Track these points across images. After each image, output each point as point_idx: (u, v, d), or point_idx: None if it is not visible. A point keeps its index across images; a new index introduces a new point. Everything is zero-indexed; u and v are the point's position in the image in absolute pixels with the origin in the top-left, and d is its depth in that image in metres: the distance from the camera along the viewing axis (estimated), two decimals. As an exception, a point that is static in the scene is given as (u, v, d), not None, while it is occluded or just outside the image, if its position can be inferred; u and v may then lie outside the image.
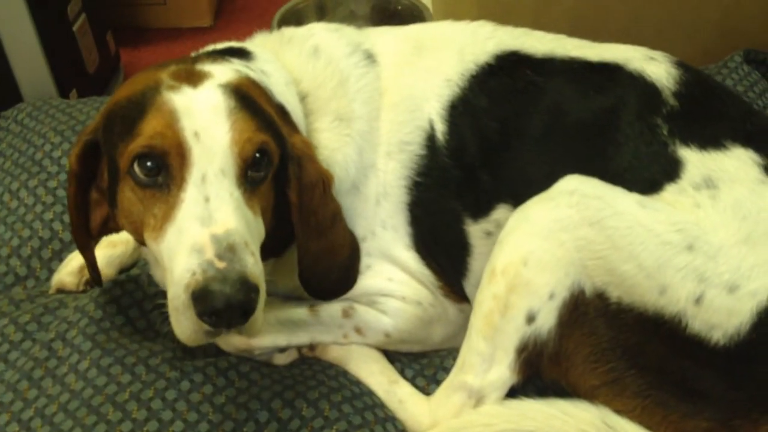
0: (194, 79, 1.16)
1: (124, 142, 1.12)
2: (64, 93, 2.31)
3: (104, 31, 2.64)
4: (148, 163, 1.10)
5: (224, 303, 1.01)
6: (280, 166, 1.20)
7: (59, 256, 1.63)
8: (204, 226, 1.05)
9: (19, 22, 2.15)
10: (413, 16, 2.68)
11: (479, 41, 1.44)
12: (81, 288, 1.54)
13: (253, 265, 1.05)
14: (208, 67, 1.20)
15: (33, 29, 2.15)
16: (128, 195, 1.15)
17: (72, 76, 2.37)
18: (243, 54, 1.36)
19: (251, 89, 1.21)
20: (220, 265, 1.02)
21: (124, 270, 1.53)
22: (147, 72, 1.22)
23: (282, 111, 1.27)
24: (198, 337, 1.06)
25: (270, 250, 1.23)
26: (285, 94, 1.32)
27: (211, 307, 1.01)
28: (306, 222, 1.24)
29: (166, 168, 1.10)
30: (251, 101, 1.17)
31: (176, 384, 1.28)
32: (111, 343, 1.34)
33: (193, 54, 1.42)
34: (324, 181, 1.25)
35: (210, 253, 1.03)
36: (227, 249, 1.03)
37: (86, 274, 1.54)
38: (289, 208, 1.24)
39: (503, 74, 1.39)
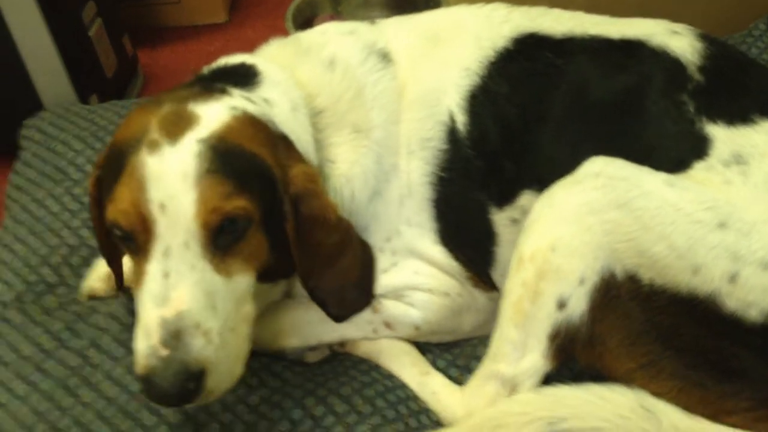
0: (177, 129, 1.13)
1: (107, 199, 1.14)
2: (84, 99, 2.31)
3: (120, 34, 2.64)
4: (120, 232, 1.13)
5: (161, 394, 1.05)
6: (277, 204, 1.18)
7: (88, 263, 1.63)
8: (157, 306, 1.07)
9: (35, 31, 2.15)
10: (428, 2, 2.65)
11: (495, 26, 1.42)
12: (111, 293, 1.55)
13: (200, 348, 1.06)
14: (201, 108, 1.18)
15: (49, 37, 2.16)
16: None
17: (91, 81, 2.38)
18: (249, 77, 1.33)
19: (243, 132, 1.17)
20: (163, 353, 1.05)
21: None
22: (145, 109, 1.21)
23: (285, 140, 1.24)
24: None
25: (281, 273, 1.26)
26: (290, 123, 1.28)
27: (151, 395, 1.06)
28: (308, 255, 1.23)
29: (133, 239, 1.12)
30: (233, 154, 1.13)
31: (209, 386, 1.28)
32: (143, 348, 1.35)
33: (205, 70, 1.40)
34: (326, 215, 1.22)
35: (155, 339, 1.05)
36: (173, 335, 1.05)
37: (116, 279, 1.55)
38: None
39: (522, 58, 1.37)
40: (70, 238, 1.66)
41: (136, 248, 1.12)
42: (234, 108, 1.20)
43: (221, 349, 1.09)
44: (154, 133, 1.13)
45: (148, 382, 1.05)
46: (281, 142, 1.23)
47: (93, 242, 1.66)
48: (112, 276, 1.55)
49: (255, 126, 1.21)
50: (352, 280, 1.28)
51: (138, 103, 1.99)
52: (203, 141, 1.13)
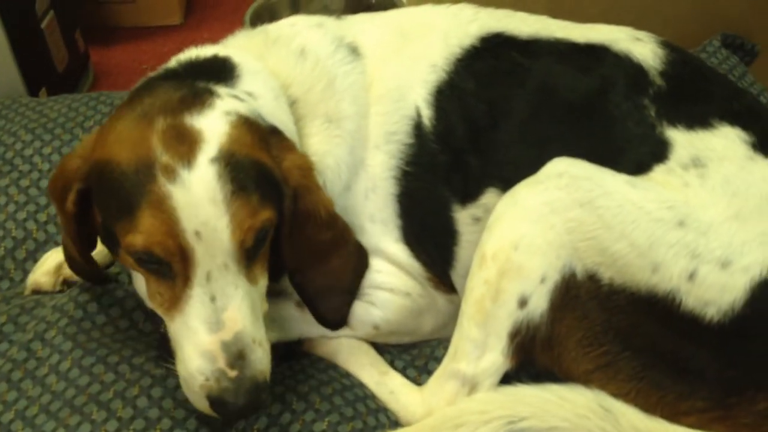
0: (185, 150, 1.09)
1: (122, 224, 1.09)
2: (33, 92, 2.26)
3: (73, 29, 2.59)
4: (152, 261, 1.10)
5: (239, 411, 1.09)
6: (281, 203, 1.18)
7: (33, 257, 1.58)
8: (212, 332, 1.09)
9: (-14, 19, 2.09)
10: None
11: (462, 24, 1.43)
12: (57, 288, 1.50)
13: (261, 359, 1.11)
14: (198, 120, 1.12)
15: (0, 26, 2.09)
16: (131, 263, 1.15)
17: (41, 74, 2.32)
18: (227, 71, 1.29)
19: (243, 139, 1.13)
20: (233, 374, 1.08)
21: (103, 267, 1.48)
22: (135, 122, 1.13)
23: (275, 132, 1.22)
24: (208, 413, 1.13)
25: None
26: (275, 113, 1.27)
27: (226, 413, 1.10)
28: (298, 250, 1.22)
29: (168, 266, 1.10)
30: (246, 167, 1.11)
31: (162, 381, 1.24)
32: (92, 343, 1.30)
33: (174, 62, 1.35)
34: (318, 210, 1.22)
35: (222, 362, 1.08)
36: (238, 356, 1.08)
37: (62, 274, 1.50)
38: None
39: (489, 56, 1.38)
40: (15, 230, 1.61)
41: (170, 274, 1.11)
42: (228, 113, 1.16)
43: (268, 352, 1.14)
44: (163, 156, 1.08)
45: (223, 403, 1.08)
46: (272, 137, 1.21)
47: (39, 235, 1.61)
48: (60, 270, 1.50)
49: (250, 129, 1.17)
50: (343, 285, 1.27)
51: (91, 97, 1.94)
52: (216, 160, 1.09)
